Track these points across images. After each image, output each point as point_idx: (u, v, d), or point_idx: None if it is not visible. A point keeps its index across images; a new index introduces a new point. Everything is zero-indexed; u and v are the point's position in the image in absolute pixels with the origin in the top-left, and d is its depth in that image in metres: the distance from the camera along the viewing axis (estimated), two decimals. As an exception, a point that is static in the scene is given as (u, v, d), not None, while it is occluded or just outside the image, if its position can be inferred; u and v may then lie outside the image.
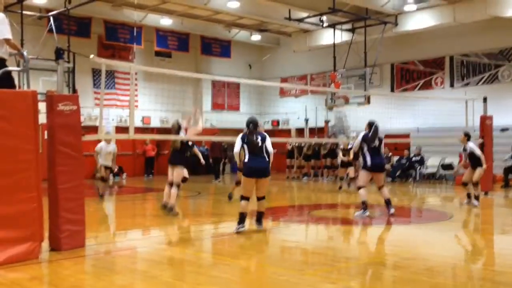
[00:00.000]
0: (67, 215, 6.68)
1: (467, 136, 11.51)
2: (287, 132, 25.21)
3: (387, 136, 20.14)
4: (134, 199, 14.61)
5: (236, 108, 25.64)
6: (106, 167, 12.92)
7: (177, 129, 10.17)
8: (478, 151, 11.28)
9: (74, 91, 16.26)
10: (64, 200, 6.69)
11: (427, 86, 20.46)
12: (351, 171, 15.12)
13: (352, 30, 20.34)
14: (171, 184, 9.88)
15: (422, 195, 15.52)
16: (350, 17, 19.07)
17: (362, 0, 17.68)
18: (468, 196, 11.29)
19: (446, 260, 6.14)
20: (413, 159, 18.40)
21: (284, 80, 25.23)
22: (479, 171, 11.12)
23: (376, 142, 9.80)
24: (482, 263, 6.33)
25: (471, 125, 14.09)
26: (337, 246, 7.49)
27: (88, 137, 7.93)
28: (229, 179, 20.25)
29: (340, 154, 15.91)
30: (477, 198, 11.13)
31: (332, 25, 20.18)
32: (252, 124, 7.87)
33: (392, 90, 21.45)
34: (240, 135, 7.98)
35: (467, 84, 19.36)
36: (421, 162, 18.38)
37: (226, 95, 25.34)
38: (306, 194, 15.80)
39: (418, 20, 19.07)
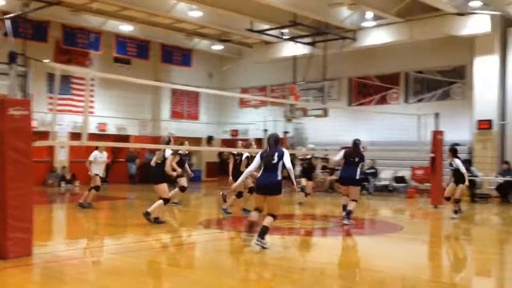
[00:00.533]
0: (14, 223, 6.50)
1: (452, 151, 11.68)
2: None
3: (343, 149, 20.67)
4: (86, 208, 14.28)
5: (195, 117, 25.57)
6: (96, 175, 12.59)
7: (167, 141, 10.11)
8: (463, 169, 11.41)
9: (28, 95, 15.85)
10: (12, 207, 6.51)
11: (382, 101, 20.97)
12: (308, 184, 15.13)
13: (312, 44, 20.67)
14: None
15: (376, 207, 15.82)
16: (311, 31, 19.38)
17: (322, 15, 18.00)
18: (455, 212, 11.52)
19: (396, 271, 6.28)
20: (367, 171, 18.74)
21: (244, 90, 25.32)
22: (461, 188, 11.43)
23: (356, 159, 10.19)
24: (430, 275, 6.49)
25: (423, 140, 14.52)
26: (293, 257, 7.53)
27: (39, 143, 7.73)
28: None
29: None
30: (456, 212, 11.43)
31: (293, 38, 20.47)
32: (272, 139, 7.62)
33: (350, 104, 21.88)
34: (260, 151, 7.81)
35: (420, 100, 19.94)
36: (375, 174, 18.76)
37: (185, 104, 25.24)
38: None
39: (376, 36, 19.58)
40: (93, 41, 20.36)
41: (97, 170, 12.54)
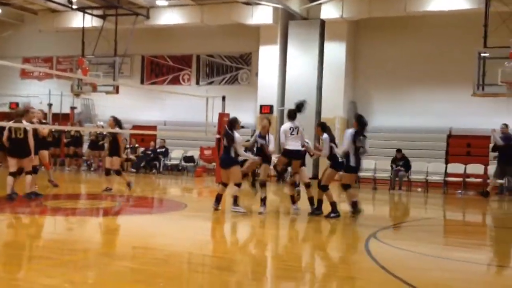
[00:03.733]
0: None
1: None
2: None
3: (135, 127, 20.46)
4: None
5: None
6: None
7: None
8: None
9: None
10: None
11: (175, 81, 21.21)
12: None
13: (103, 17, 19.83)
14: None
15: (165, 185, 16.04)
16: (101, 3, 18.58)
17: (114, -12, 17.39)
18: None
19: (176, 249, 6.43)
20: (158, 150, 18.87)
21: (26, 60, 23.23)
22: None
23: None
24: (209, 251, 6.78)
25: (211, 121, 15.11)
26: (67, 238, 7.18)
27: None
28: None
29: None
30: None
31: (82, 9, 19.39)
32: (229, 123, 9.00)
33: (142, 82, 21.64)
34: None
35: (211, 83, 20.69)
36: (166, 154, 18.97)
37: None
38: (43, 183, 14.74)
39: (169, 16, 19.65)
40: None
41: None
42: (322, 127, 9.44)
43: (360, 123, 9.10)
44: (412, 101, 17.81)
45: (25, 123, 9.73)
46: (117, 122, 11.96)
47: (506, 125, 13.89)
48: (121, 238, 7.49)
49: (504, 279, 5.83)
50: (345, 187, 9.12)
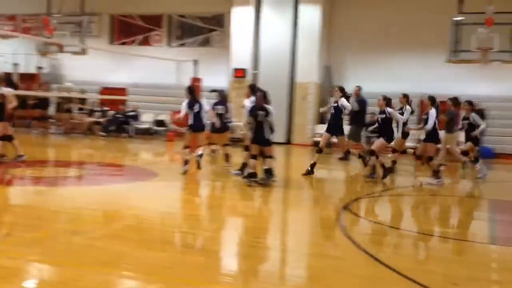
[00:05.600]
0: None
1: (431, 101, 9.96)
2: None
3: (104, 89, 19.90)
4: None
5: None
6: None
7: None
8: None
9: None
10: None
11: (145, 42, 20.59)
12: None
13: (69, -28, 18.97)
14: None
15: (137, 150, 15.73)
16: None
17: None
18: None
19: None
20: (128, 114, 18.45)
21: (-12, 17, 22.23)
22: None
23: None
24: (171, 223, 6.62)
25: (182, 84, 14.75)
26: (30, 212, 6.88)
27: None
28: None
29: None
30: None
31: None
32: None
33: (111, 42, 20.95)
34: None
35: (183, 45, 20.15)
36: (136, 117, 18.57)
37: None
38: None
39: (139, -27, 18.92)
40: None
41: None
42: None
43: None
44: (386, 67, 17.71)
45: None
46: (5, 80, 10.20)
47: (359, 87, 12.57)
48: (84, 211, 7.22)
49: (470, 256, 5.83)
50: None
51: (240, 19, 18.21)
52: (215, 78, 18.16)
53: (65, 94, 17.66)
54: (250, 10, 18.10)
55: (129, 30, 20.79)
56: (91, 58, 18.94)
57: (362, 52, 18.04)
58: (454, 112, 10.96)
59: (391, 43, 17.64)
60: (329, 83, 18.14)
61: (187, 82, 15.18)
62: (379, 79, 17.47)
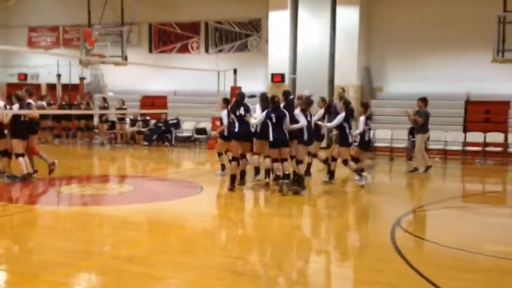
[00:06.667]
0: None
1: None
2: (36, 87, 23.03)
3: (144, 97, 20.19)
4: None
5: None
6: None
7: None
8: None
9: None
10: None
11: (184, 49, 20.77)
12: None
13: (108, -16, 19.33)
14: None
15: (178, 160, 15.90)
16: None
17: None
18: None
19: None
20: (170, 122, 18.66)
21: (32, 30, 22.89)
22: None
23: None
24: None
25: (223, 92, 14.84)
26: (78, 237, 6.99)
27: None
28: None
29: None
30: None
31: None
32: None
33: (151, 51, 21.24)
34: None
35: (220, 51, 20.23)
36: (177, 125, 18.76)
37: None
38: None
39: (176, -18, 19.07)
40: None
41: None
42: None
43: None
44: (428, 67, 17.28)
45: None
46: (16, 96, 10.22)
47: (343, 89, 12.76)
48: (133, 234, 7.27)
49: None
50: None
51: (276, 23, 18.11)
52: (253, 83, 18.21)
53: (101, 111, 17.96)
54: (286, 14, 17.98)
55: (167, 38, 21.02)
56: (131, 67, 19.26)
57: (402, 52, 17.66)
58: (428, 112, 12.15)
59: (432, 42, 17.16)
60: (369, 84, 17.89)
61: (227, 89, 15.31)
62: (420, 79, 17.08)
